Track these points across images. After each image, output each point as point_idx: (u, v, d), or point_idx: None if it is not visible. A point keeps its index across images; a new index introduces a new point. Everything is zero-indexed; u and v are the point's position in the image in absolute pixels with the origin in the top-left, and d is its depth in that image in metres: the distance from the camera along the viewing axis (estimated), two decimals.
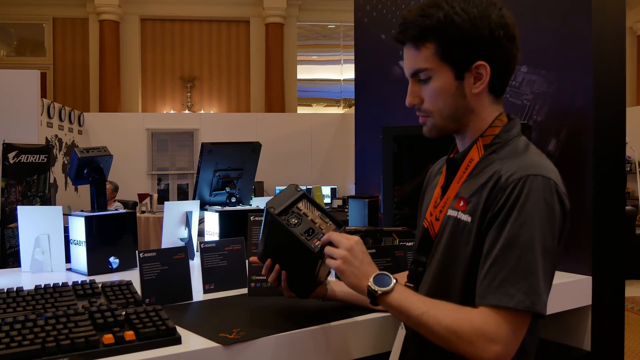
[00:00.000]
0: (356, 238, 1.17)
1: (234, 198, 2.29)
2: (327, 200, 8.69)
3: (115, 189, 6.68)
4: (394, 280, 1.12)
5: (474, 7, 1.10)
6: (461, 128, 1.19)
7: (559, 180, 1.09)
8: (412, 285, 1.24)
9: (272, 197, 1.29)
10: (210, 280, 1.61)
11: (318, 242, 1.19)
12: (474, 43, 1.10)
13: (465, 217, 1.12)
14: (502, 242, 1.04)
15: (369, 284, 1.12)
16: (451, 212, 1.16)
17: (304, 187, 8.23)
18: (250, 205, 2.39)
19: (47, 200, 5.62)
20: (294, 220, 1.22)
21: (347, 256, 1.15)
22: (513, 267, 1.03)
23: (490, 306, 1.03)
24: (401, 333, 1.27)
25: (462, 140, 1.22)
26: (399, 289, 1.12)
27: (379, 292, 1.11)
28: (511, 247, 1.03)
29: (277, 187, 8.85)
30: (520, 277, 1.02)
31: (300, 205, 1.25)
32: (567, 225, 1.10)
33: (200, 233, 2.26)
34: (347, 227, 1.95)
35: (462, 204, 1.14)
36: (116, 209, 3.20)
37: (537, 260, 1.03)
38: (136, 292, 1.40)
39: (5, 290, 1.33)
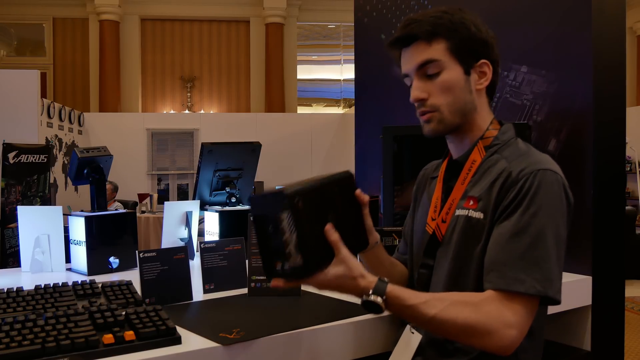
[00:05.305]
0: (326, 277, 1.07)
1: (234, 198, 2.29)
2: None
3: (115, 189, 6.68)
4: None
5: (474, 17, 1.22)
6: (465, 124, 1.22)
7: (563, 175, 1.15)
8: (421, 289, 1.24)
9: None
10: (210, 280, 1.61)
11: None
12: (480, 43, 1.20)
13: (477, 214, 1.16)
14: (512, 230, 1.08)
15: (371, 299, 1.05)
16: (460, 212, 1.19)
17: None
18: None
19: (47, 200, 5.61)
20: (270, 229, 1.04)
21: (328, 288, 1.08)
22: (523, 254, 1.06)
23: (500, 290, 1.06)
24: (414, 337, 1.25)
25: (461, 142, 1.25)
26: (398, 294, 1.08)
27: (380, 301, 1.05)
28: (522, 235, 1.07)
29: (277, 187, 8.81)
30: (532, 264, 1.06)
31: (283, 217, 1.02)
32: (570, 218, 1.15)
33: (200, 233, 2.26)
34: None
35: (472, 202, 1.17)
36: (116, 209, 3.20)
37: (549, 248, 1.07)
38: (136, 292, 1.40)
39: (5, 290, 1.33)
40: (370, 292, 1.06)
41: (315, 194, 1.08)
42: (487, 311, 1.04)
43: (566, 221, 1.12)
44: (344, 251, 1.07)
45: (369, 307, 1.07)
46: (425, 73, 1.20)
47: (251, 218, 1.07)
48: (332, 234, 1.07)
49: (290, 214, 1.00)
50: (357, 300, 1.10)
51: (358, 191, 1.22)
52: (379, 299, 1.05)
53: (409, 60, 1.22)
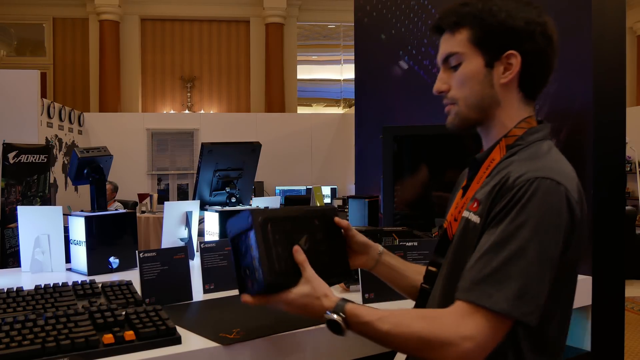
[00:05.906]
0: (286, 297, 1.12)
1: (234, 198, 2.29)
2: (327, 200, 8.68)
3: (115, 189, 6.68)
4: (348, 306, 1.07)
5: (513, 2, 1.12)
6: (486, 121, 1.16)
7: (574, 187, 1.04)
8: (427, 286, 1.21)
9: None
10: (210, 280, 1.61)
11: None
12: (508, 32, 1.10)
13: (475, 218, 1.10)
14: (494, 240, 1.01)
15: (332, 317, 1.06)
16: (465, 213, 1.14)
17: (303, 187, 8.06)
18: (250, 205, 2.39)
19: (47, 200, 5.62)
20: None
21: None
22: (498, 268, 0.98)
23: (466, 302, 1.00)
24: None
25: (487, 137, 1.19)
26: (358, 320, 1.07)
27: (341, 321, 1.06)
28: (502, 247, 0.99)
29: (277, 187, 8.85)
30: (505, 279, 0.98)
31: (250, 235, 1.12)
32: (576, 235, 1.04)
33: (200, 233, 2.26)
34: None
35: (475, 205, 1.11)
36: (116, 209, 3.20)
37: (529, 265, 0.98)
38: (136, 292, 1.40)
39: (5, 290, 1.33)
40: (331, 311, 1.07)
41: (288, 219, 1.16)
42: (443, 323, 0.99)
43: (564, 237, 1.01)
44: (310, 272, 1.11)
45: (331, 326, 1.07)
46: (449, 65, 1.16)
47: (228, 238, 1.18)
48: (299, 255, 1.13)
49: (255, 232, 1.09)
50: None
51: (337, 218, 1.24)
52: (339, 318, 1.05)
53: (439, 52, 1.19)
